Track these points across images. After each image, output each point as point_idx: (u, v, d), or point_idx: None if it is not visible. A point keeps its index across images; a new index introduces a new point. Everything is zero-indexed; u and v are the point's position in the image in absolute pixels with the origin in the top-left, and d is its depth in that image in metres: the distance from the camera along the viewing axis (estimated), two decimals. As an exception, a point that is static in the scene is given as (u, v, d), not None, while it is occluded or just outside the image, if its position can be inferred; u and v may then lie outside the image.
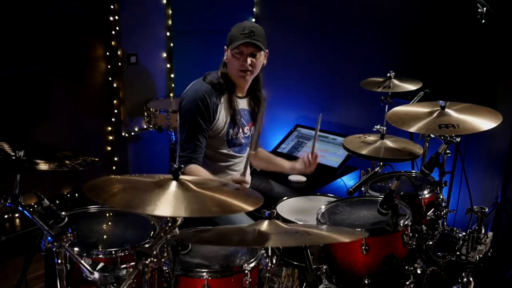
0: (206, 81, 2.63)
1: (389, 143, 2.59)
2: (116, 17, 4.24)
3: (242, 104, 2.72)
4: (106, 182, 1.57)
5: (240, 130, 2.70)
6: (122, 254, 1.97)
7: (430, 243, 2.40)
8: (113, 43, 4.28)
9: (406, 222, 2.06)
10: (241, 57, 2.55)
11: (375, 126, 2.72)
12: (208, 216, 1.45)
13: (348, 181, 3.76)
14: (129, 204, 1.43)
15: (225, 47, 2.63)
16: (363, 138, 2.67)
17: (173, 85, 4.76)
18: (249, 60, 2.55)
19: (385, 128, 2.65)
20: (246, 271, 1.88)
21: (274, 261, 1.88)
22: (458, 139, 2.46)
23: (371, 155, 2.55)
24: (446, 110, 2.28)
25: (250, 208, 1.53)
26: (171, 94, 4.77)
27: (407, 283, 2.08)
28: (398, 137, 2.68)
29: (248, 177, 2.66)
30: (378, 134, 2.66)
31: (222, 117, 2.63)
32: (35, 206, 1.84)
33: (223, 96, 2.63)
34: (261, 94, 2.76)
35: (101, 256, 1.96)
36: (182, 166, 1.63)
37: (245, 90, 2.73)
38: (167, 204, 1.43)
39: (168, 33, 4.63)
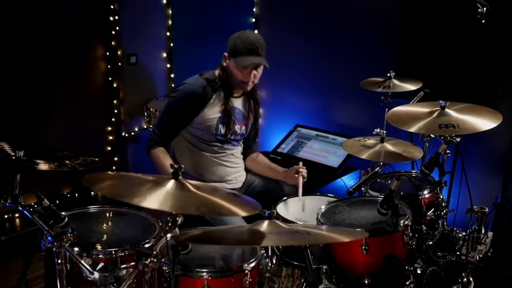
0: (203, 77, 2.65)
1: (389, 146, 2.58)
2: (116, 17, 4.23)
3: (236, 103, 2.73)
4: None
5: (231, 128, 2.70)
6: (122, 254, 1.97)
7: (430, 243, 2.39)
8: (113, 43, 4.28)
9: (406, 222, 2.06)
10: (245, 70, 2.56)
11: (375, 130, 2.71)
12: (193, 214, 1.47)
13: (348, 181, 3.76)
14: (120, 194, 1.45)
15: (225, 54, 2.62)
16: (363, 141, 2.66)
17: (173, 85, 4.75)
18: (252, 75, 2.58)
19: (385, 131, 2.64)
20: (246, 271, 1.88)
21: (274, 261, 1.89)
22: (458, 139, 2.46)
23: (371, 159, 2.54)
24: (446, 110, 2.28)
25: (243, 214, 1.53)
26: (171, 94, 4.76)
27: (407, 283, 2.08)
28: (398, 139, 2.68)
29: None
30: (378, 137, 2.66)
31: (212, 112, 2.64)
32: (35, 206, 1.84)
33: (217, 92, 2.65)
34: (257, 95, 2.78)
35: (101, 256, 1.96)
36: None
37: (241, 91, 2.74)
38: (157, 199, 1.44)
39: (168, 33, 4.62)
